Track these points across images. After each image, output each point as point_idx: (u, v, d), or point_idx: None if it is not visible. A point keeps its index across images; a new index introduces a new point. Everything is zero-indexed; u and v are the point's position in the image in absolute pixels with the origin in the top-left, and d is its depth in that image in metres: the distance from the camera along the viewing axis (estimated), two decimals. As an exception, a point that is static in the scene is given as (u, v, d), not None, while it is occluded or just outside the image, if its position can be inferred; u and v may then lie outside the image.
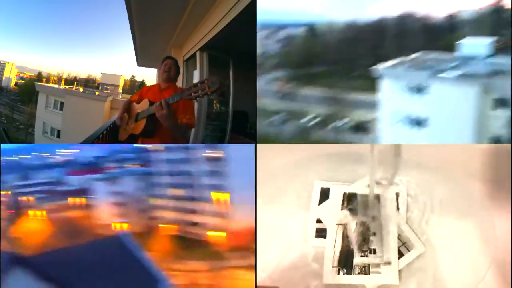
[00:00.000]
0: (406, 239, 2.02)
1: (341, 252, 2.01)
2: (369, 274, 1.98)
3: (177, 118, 3.79)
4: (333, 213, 2.09)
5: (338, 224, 2.04)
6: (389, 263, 1.94)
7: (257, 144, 2.06)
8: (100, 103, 23.06)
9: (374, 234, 2.03)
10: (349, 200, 2.11)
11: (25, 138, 29.97)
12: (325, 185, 2.14)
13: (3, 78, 42.86)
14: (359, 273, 2.02)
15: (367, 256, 2.01)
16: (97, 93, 28.34)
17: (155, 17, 6.69)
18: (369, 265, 1.99)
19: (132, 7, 6.15)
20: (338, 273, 2.02)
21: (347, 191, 2.09)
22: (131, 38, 8.88)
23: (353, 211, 2.08)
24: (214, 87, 3.19)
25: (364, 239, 2.01)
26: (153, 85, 4.28)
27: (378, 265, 1.97)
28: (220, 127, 8.02)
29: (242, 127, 8.17)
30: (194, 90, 3.33)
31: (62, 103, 24.19)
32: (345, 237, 2.03)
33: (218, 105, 8.24)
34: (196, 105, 7.12)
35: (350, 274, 2.03)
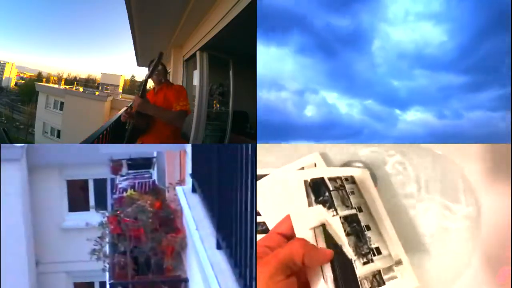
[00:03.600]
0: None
1: (334, 267, 1.35)
2: (384, 284, 1.38)
3: (172, 106, 3.87)
4: (300, 215, 1.42)
5: (313, 229, 1.39)
6: (400, 262, 1.42)
7: (257, 144, 1.88)
8: (100, 103, 23.11)
9: (369, 228, 1.44)
10: (315, 189, 1.45)
11: (25, 138, 30.00)
12: (265, 173, 1.54)
13: (3, 78, 42.88)
14: None
15: (372, 260, 1.38)
16: (97, 93, 28.37)
17: (155, 17, 6.70)
18: (379, 271, 1.38)
19: (132, 7, 6.16)
20: None
21: (308, 178, 1.46)
22: (131, 38, 8.90)
23: (327, 204, 1.45)
24: (157, 56, 3.59)
25: (359, 238, 1.41)
26: (149, 91, 4.38)
27: (390, 268, 1.40)
28: (220, 127, 8.02)
29: (242, 127, 8.18)
30: (149, 70, 3.67)
31: (62, 103, 24.23)
32: (330, 242, 1.38)
33: (218, 105, 8.26)
34: (196, 104, 7.13)
35: None
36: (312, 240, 1.37)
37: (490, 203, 1.65)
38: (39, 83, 33.43)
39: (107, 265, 4.88)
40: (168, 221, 4.83)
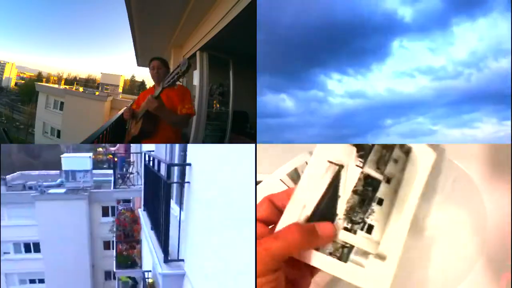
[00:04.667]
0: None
1: (316, 210, 1.22)
2: (346, 261, 1.20)
3: (177, 109, 3.86)
4: (327, 146, 1.26)
5: (330, 162, 1.24)
6: (383, 258, 1.19)
7: (257, 144, 1.85)
8: (100, 103, 23.09)
9: (380, 202, 1.22)
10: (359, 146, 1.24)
11: (25, 138, 29.99)
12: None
13: (3, 78, 42.86)
14: (330, 254, 1.21)
15: (354, 232, 1.21)
16: (97, 93, 28.35)
17: (155, 17, 6.70)
18: (352, 247, 1.21)
19: (132, 7, 6.16)
20: None
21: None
22: (131, 38, 8.90)
23: (360, 152, 1.25)
24: (185, 67, 3.41)
25: (362, 202, 1.22)
26: (149, 89, 4.34)
27: (365, 254, 1.20)
28: (220, 127, 8.02)
29: (242, 127, 8.18)
30: (171, 76, 3.54)
31: (62, 103, 24.21)
32: (332, 186, 1.22)
33: (218, 105, 8.25)
34: (196, 104, 7.13)
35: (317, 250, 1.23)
36: (321, 173, 1.21)
37: (490, 204, 1.64)
38: (39, 83, 33.40)
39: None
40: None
